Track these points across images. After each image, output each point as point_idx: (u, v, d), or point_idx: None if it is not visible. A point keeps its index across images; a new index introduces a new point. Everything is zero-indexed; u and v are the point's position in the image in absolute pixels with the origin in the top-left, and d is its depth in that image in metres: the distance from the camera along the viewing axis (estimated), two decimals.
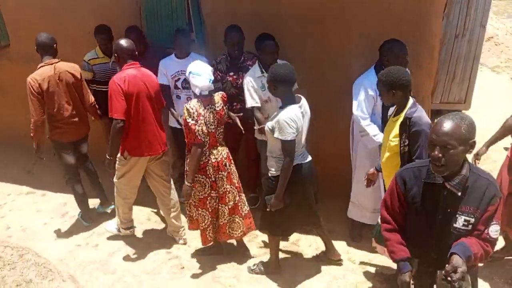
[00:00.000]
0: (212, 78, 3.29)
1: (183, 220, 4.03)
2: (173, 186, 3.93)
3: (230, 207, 3.54)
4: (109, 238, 4.11)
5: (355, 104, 3.48)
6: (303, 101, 3.17)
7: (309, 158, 3.30)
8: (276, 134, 3.01)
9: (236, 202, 3.56)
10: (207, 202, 3.48)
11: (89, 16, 4.52)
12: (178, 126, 4.05)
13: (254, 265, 3.66)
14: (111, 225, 4.14)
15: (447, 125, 1.97)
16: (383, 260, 3.56)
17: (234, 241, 3.85)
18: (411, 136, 2.75)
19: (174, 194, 3.90)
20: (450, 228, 2.11)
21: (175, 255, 3.88)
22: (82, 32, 4.56)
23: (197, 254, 3.84)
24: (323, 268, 3.64)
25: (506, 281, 3.41)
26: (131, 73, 3.43)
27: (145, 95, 3.50)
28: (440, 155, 1.98)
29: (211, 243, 3.70)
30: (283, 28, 3.91)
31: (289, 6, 3.91)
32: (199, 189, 3.44)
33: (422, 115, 2.78)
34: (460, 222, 2.08)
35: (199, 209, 3.51)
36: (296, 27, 3.96)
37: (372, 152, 3.55)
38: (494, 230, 2.06)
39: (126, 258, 3.87)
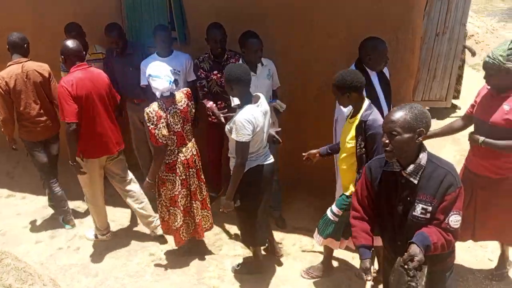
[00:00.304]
0: (172, 79, 3.25)
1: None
2: (133, 178, 3.91)
3: (200, 201, 3.59)
4: (91, 241, 4.04)
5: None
6: (262, 99, 3.11)
7: (271, 159, 3.26)
8: (233, 135, 2.99)
9: (204, 197, 3.64)
10: (178, 200, 3.47)
11: (70, 12, 4.43)
12: None
13: (238, 265, 3.65)
14: (90, 233, 4.10)
15: (394, 113, 2.10)
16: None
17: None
18: (367, 139, 2.79)
19: (135, 187, 3.89)
20: (410, 216, 2.17)
21: (158, 257, 3.84)
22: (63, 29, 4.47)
23: (180, 255, 3.80)
24: (306, 266, 3.63)
25: (486, 276, 3.47)
26: (78, 76, 3.44)
27: (96, 96, 3.50)
28: (387, 141, 2.11)
29: (185, 242, 3.69)
30: (267, 26, 3.89)
31: (273, 2, 3.89)
32: (170, 187, 3.43)
33: (377, 117, 2.80)
34: (418, 210, 2.15)
35: (171, 208, 3.50)
36: (280, 24, 3.95)
37: None
38: (454, 220, 2.10)
39: (109, 261, 3.81)
